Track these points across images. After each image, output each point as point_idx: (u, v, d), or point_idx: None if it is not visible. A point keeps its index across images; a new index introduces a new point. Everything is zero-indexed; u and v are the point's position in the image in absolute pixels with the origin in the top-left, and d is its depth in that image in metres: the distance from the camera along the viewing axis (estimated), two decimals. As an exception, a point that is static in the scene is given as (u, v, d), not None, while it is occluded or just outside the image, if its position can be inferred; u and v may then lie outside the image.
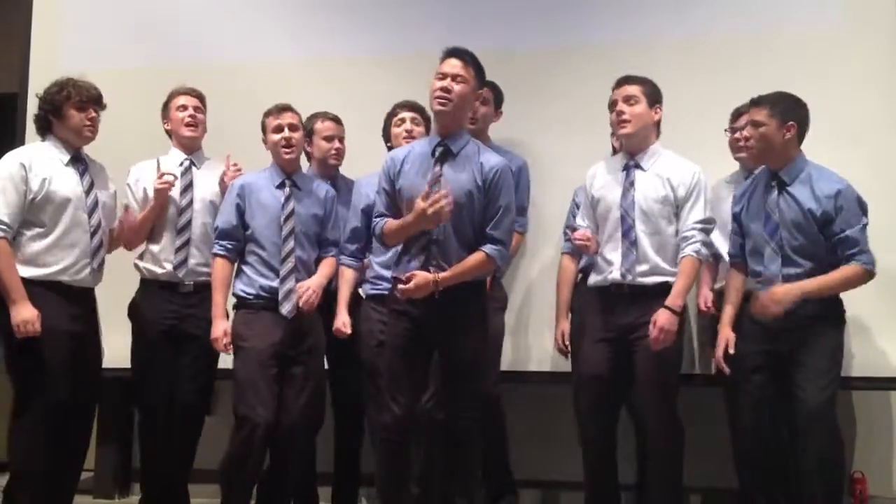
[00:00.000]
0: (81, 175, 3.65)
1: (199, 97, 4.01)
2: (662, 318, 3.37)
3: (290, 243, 3.66)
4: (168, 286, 3.84)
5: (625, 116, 3.50)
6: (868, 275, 3.33)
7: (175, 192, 3.86)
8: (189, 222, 3.85)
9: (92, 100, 3.66)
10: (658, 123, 3.58)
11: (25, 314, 3.43)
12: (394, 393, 3.32)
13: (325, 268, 3.76)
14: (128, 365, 4.00)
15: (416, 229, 3.26)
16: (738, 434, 3.65)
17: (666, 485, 3.46)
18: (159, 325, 3.82)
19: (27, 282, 3.48)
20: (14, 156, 3.60)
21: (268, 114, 3.75)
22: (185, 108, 3.95)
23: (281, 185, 3.71)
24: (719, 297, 3.70)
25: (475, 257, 3.31)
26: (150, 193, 3.85)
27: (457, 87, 3.31)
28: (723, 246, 3.73)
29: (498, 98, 4.02)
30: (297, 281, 3.64)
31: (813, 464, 3.27)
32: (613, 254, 3.51)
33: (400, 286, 3.25)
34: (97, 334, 3.73)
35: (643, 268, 3.47)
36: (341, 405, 4.04)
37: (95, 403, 3.84)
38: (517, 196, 3.75)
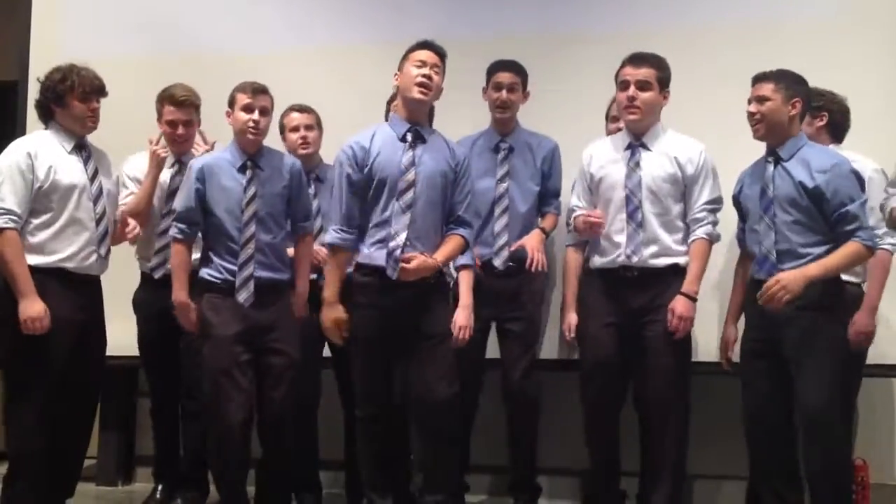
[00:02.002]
0: (85, 163, 3.64)
1: (191, 105, 3.97)
2: (680, 305, 3.39)
3: (251, 229, 3.55)
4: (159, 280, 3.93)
5: (636, 103, 3.48)
6: (868, 251, 3.26)
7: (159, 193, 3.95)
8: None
9: (95, 90, 3.63)
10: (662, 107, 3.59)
11: (34, 310, 3.41)
12: (371, 386, 3.39)
13: (303, 256, 3.70)
14: (130, 353, 4.05)
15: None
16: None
17: (671, 470, 3.47)
18: (159, 316, 3.88)
19: (33, 270, 3.47)
20: (20, 145, 3.59)
21: (241, 90, 3.59)
22: (173, 124, 3.95)
23: (242, 168, 3.61)
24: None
25: (456, 241, 3.44)
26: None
27: (436, 78, 3.39)
28: None
29: (524, 81, 3.96)
30: (259, 265, 3.55)
31: (818, 465, 3.23)
32: (619, 235, 3.49)
33: (403, 266, 3.27)
34: (101, 323, 3.73)
35: (653, 249, 3.46)
36: (348, 392, 4.01)
37: (98, 392, 3.84)
38: (553, 178, 3.90)
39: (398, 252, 3.31)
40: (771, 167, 3.36)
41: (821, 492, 3.26)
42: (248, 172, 3.60)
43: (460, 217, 3.46)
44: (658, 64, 3.51)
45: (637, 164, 3.50)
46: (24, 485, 3.47)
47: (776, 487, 3.40)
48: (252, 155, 3.62)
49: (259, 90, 3.60)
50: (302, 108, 3.98)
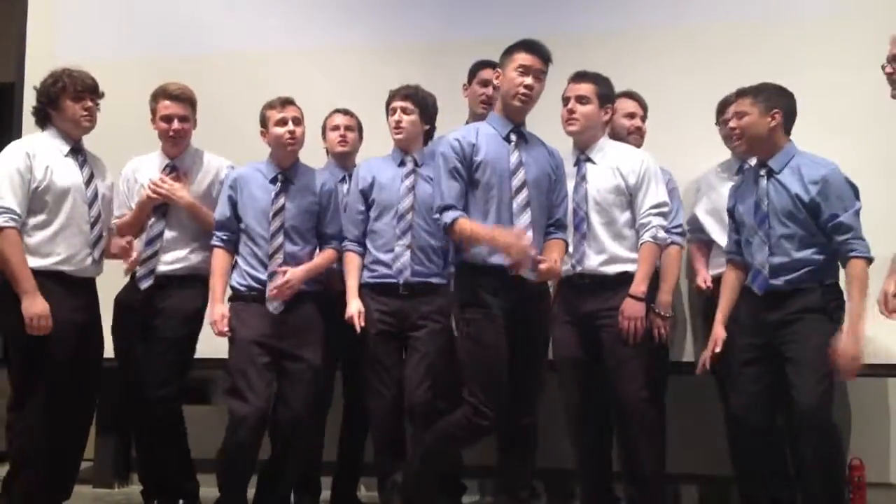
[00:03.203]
0: (81, 166, 3.65)
1: (187, 100, 3.84)
2: (628, 307, 3.45)
3: (279, 239, 3.64)
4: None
5: (574, 115, 3.57)
6: (868, 262, 3.28)
7: None
8: (161, 232, 3.80)
9: (87, 89, 3.64)
10: (607, 122, 3.66)
11: (37, 308, 3.42)
12: (493, 397, 3.25)
13: (319, 258, 3.74)
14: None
15: (493, 245, 3.23)
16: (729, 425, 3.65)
17: (645, 470, 3.47)
18: (134, 317, 3.79)
19: (31, 272, 3.46)
20: (18, 146, 3.62)
21: (270, 107, 3.70)
22: (168, 119, 3.82)
23: (273, 180, 3.70)
24: (717, 283, 3.69)
25: (561, 246, 3.45)
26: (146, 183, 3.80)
27: (537, 86, 3.37)
28: (714, 232, 3.80)
29: None
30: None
31: (812, 463, 3.25)
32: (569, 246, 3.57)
33: (541, 267, 3.22)
34: (99, 325, 3.73)
35: (602, 258, 3.53)
36: (350, 395, 4.01)
37: (96, 394, 3.84)
38: None
39: (534, 252, 3.24)
40: (764, 181, 3.39)
41: (817, 489, 3.28)
42: (279, 185, 3.69)
43: (559, 220, 3.48)
44: (598, 80, 3.59)
45: (583, 178, 3.59)
46: (25, 485, 3.48)
47: (771, 489, 3.43)
48: (285, 169, 3.72)
49: (286, 102, 3.70)
50: (346, 112, 4.07)
